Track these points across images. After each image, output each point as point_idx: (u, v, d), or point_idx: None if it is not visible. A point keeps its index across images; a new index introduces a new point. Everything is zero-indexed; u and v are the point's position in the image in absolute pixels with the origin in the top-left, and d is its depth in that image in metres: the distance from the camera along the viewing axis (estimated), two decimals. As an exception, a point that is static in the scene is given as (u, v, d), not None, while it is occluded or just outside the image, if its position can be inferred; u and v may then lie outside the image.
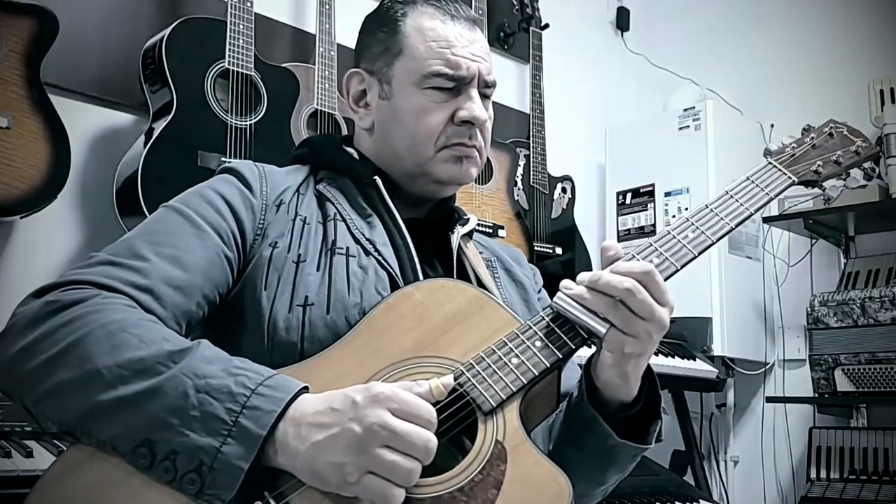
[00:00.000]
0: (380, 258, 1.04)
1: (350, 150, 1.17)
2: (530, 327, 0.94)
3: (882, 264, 2.80)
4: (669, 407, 2.84)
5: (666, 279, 0.94)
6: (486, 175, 2.61)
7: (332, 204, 1.09)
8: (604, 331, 0.90)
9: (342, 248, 1.03)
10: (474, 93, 1.11)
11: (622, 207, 3.11)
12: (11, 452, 1.39)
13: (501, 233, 2.55)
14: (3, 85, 1.67)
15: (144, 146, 1.84)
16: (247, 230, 1.03)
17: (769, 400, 2.95)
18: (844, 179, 1.16)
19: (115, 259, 0.95)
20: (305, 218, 1.06)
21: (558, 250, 2.80)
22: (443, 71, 1.09)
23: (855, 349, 2.61)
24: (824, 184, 1.14)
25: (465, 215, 1.20)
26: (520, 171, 2.77)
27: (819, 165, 1.12)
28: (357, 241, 1.05)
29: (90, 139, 2.01)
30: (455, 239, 1.14)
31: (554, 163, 2.91)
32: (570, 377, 1.03)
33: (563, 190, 2.95)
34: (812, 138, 1.15)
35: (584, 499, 1.07)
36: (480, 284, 1.11)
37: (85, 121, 1.99)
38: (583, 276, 0.93)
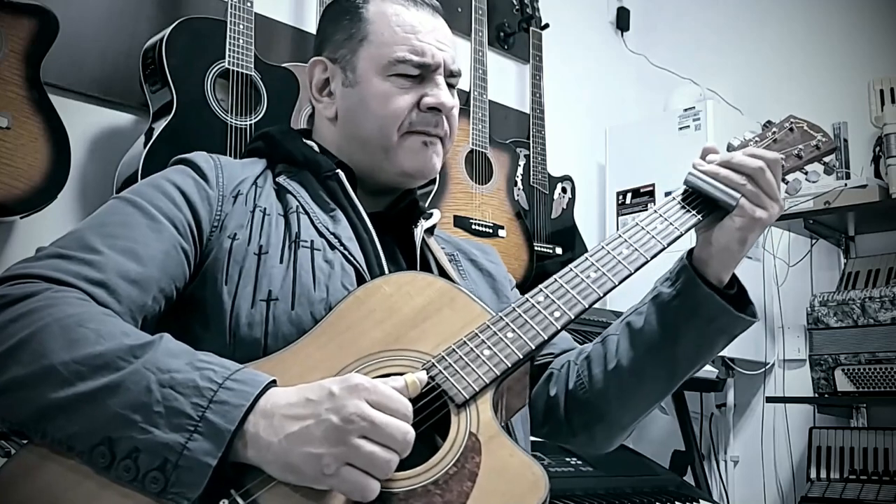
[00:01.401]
0: (346, 253, 1.01)
1: (310, 142, 1.14)
2: (501, 318, 0.93)
3: (882, 264, 2.80)
4: (669, 407, 2.84)
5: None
6: (486, 175, 2.61)
7: (294, 197, 1.06)
8: (735, 202, 1.03)
9: (307, 241, 1.00)
10: (440, 80, 1.09)
11: (622, 207, 3.11)
12: (11, 452, 1.39)
13: (501, 233, 2.55)
14: (3, 85, 1.67)
15: (144, 146, 1.84)
16: (203, 222, 1.00)
17: (769, 400, 2.95)
18: (805, 174, 1.19)
19: (66, 252, 0.91)
20: (265, 209, 1.03)
21: (558, 250, 2.80)
22: (408, 57, 1.07)
23: (855, 349, 2.61)
24: (787, 177, 1.17)
25: (428, 210, 1.18)
26: (520, 171, 2.76)
27: (781, 159, 1.13)
28: (321, 234, 1.02)
29: (90, 139, 2.01)
30: (419, 233, 1.12)
31: (554, 163, 2.91)
32: (563, 336, 1.16)
33: (563, 190, 2.95)
34: (774, 132, 1.17)
35: (641, 415, 1.15)
36: (445, 277, 1.08)
37: (85, 121, 1.99)
38: (713, 156, 1.07)
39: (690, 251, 1.09)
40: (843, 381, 2.64)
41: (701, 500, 2.25)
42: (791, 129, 1.18)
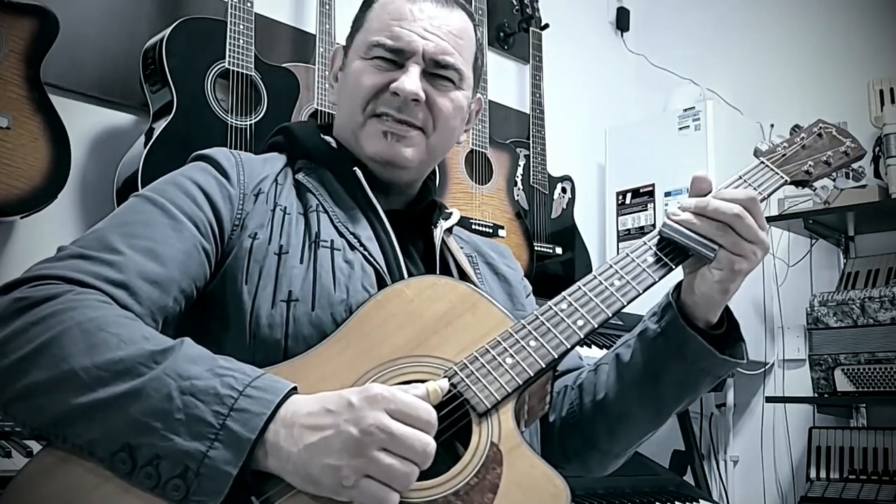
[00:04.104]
0: (366, 253, 1.00)
1: (328, 138, 1.14)
2: (524, 326, 0.92)
3: (882, 264, 2.80)
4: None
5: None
6: (486, 175, 2.61)
7: (313, 195, 1.05)
8: (713, 254, 0.96)
9: (326, 241, 1.00)
10: (413, 68, 1.06)
11: (622, 207, 3.11)
12: (11, 452, 1.39)
13: (501, 233, 2.55)
14: (3, 85, 1.68)
15: (144, 146, 1.84)
16: (224, 220, 0.99)
17: (769, 400, 2.95)
18: (834, 180, 1.16)
19: (87, 252, 0.89)
20: (285, 208, 1.02)
21: (558, 250, 2.81)
22: (382, 41, 1.06)
23: (855, 349, 2.61)
24: (815, 184, 1.14)
25: (448, 209, 1.17)
26: (520, 171, 2.77)
27: (810, 166, 1.11)
28: (341, 234, 1.01)
29: (90, 139, 2.01)
30: (438, 233, 1.11)
31: (554, 163, 2.91)
32: (571, 355, 1.11)
33: (563, 190, 2.95)
34: (802, 138, 1.14)
35: (632, 445, 1.12)
36: (464, 280, 1.08)
37: (85, 121, 1.99)
38: (688, 202, 0.99)
39: (678, 285, 1.05)
40: (843, 381, 2.64)
41: (701, 500, 2.25)
42: (820, 135, 1.14)
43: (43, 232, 1.85)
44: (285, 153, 1.13)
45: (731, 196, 0.97)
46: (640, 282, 0.97)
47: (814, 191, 1.15)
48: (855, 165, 1.16)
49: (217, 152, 1.06)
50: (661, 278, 0.98)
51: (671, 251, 0.99)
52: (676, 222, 0.98)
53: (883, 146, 2.68)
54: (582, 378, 1.14)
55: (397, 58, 1.07)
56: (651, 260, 0.99)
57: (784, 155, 1.11)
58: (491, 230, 2.51)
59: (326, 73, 2.17)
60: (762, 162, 1.10)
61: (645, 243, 1.00)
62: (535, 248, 2.70)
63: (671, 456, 2.75)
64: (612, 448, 1.12)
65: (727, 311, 1.05)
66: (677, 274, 1.03)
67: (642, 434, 1.11)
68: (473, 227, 2.46)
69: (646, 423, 1.09)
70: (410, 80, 1.05)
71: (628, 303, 0.96)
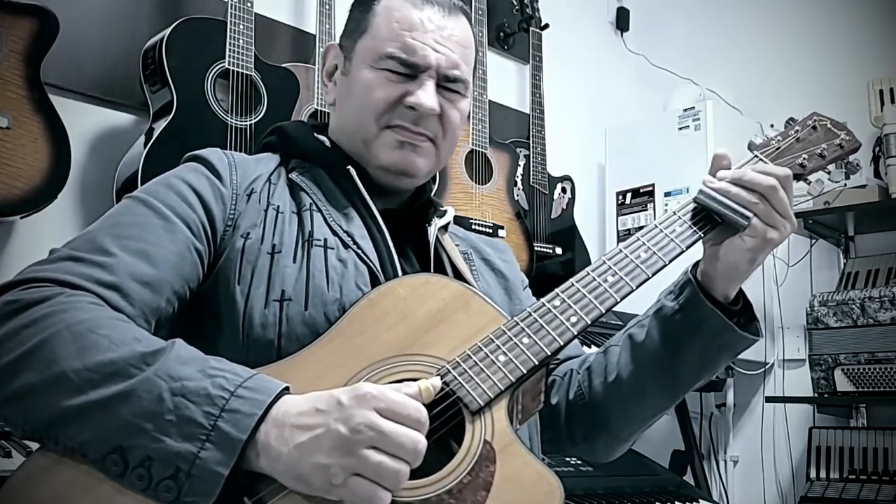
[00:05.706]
0: (359, 251, 1.00)
1: (322, 137, 1.13)
2: (517, 323, 0.92)
3: (882, 264, 2.80)
4: (669, 407, 2.84)
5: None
6: (486, 175, 2.61)
7: (307, 194, 1.05)
8: (747, 222, 0.99)
9: (320, 240, 0.99)
10: (428, 82, 1.06)
11: (622, 207, 3.11)
12: (11, 452, 1.39)
13: (501, 233, 2.55)
14: (3, 85, 1.68)
15: (144, 146, 1.84)
16: (217, 221, 0.99)
17: (769, 400, 2.95)
18: (828, 173, 1.16)
19: (78, 254, 0.90)
20: (279, 207, 1.02)
21: (558, 250, 2.80)
22: (396, 54, 1.05)
23: (854, 349, 2.61)
24: (810, 177, 1.13)
25: (443, 207, 1.17)
26: (520, 171, 2.77)
27: (804, 159, 1.10)
28: (335, 232, 1.01)
29: (90, 139, 2.01)
30: (432, 231, 1.10)
31: (554, 163, 2.91)
32: (573, 344, 1.12)
33: (563, 190, 2.95)
34: (796, 131, 1.13)
35: (642, 427, 1.13)
36: (459, 277, 1.08)
37: (85, 121, 1.99)
38: (724, 173, 1.03)
39: (696, 263, 1.06)
40: (843, 381, 2.64)
41: (700, 500, 2.25)
42: (814, 128, 1.13)
43: (43, 232, 1.85)
44: (279, 153, 1.13)
45: (768, 170, 1.01)
46: (634, 277, 0.97)
47: (808, 184, 1.14)
48: (850, 158, 1.15)
49: (210, 153, 1.06)
50: (654, 273, 0.98)
51: (701, 219, 1.02)
52: (713, 189, 1.01)
53: (883, 146, 2.69)
54: (590, 361, 1.14)
55: (410, 71, 1.06)
56: (679, 230, 1.01)
57: (778, 148, 1.11)
58: (491, 230, 2.51)
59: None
60: (756, 155, 1.10)
61: (638, 238, 1.00)
62: (535, 248, 2.69)
63: (671, 456, 2.75)
64: (622, 430, 1.12)
65: (740, 291, 1.06)
66: (669, 277, 1.03)
67: (654, 414, 1.12)
68: (473, 227, 2.46)
69: (661, 402, 1.10)
70: (428, 96, 1.06)
71: (622, 298, 0.96)
